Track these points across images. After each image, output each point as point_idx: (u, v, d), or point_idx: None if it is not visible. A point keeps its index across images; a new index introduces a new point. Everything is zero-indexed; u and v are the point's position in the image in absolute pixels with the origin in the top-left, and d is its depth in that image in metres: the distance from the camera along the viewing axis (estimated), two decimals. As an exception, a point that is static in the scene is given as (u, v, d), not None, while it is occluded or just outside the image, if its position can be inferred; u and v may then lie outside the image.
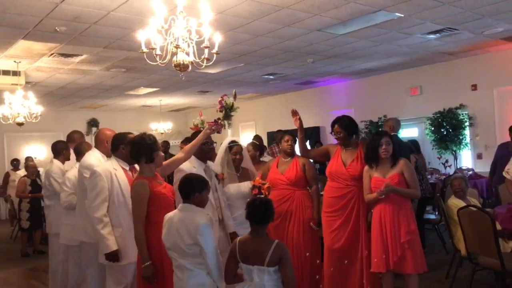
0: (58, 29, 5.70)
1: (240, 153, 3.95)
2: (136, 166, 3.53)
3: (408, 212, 3.63)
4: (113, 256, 3.22)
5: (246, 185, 3.81)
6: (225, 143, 3.96)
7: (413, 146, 6.33)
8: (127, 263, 3.27)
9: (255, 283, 2.50)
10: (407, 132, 10.09)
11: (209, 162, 3.72)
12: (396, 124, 5.90)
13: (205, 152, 3.64)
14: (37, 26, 5.55)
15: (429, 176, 7.60)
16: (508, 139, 6.79)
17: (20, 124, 7.34)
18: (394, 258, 3.54)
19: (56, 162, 4.75)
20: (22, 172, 8.83)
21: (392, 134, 4.02)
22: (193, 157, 3.56)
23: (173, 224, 2.66)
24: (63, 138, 5.88)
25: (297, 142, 4.30)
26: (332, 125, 4.06)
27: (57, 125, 13.00)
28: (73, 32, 5.87)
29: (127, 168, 3.41)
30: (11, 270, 6.43)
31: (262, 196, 3.41)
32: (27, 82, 8.48)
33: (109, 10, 5.14)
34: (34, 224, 7.26)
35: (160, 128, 13.62)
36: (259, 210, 2.59)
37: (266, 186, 3.57)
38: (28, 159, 9.01)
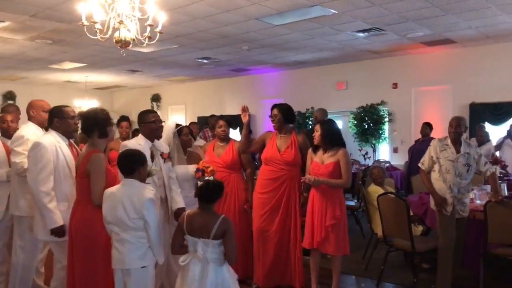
0: (-20, -8, 5.29)
1: (189, 134, 3.96)
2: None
3: (336, 200, 3.87)
4: (60, 232, 3.16)
5: (193, 168, 3.83)
6: (172, 126, 3.90)
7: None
8: None
9: (198, 254, 2.59)
10: (332, 124, 10.60)
11: (155, 141, 3.64)
12: (320, 114, 6.18)
13: (154, 130, 3.57)
14: (-44, -14, 5.11)
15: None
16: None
17: None
18: (318, 239, 3.82)
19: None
20: None
21: (326, 121, 4.25)
22: (140, 135, 3.56)
23: (117, 199, 2.69)
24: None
25: (241, 136, 4.41)
26: (272, 109, 4.25)
27: (-33, 95, 11.99)
28: (-2, -4, 5.48)
29: (66, 143, 3.36)
30: None
31: (210, 178, 3.50)
32: None
33: (41, -23, 4.88)
34: None
35: (84, 105, 13.03)
36: (212, 192, 2.67)
37: (209, 169, 3.64)
38: None
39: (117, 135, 5.28)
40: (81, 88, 13.95)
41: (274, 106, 4.25)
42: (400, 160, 9.19)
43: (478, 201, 4.38)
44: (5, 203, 4.00)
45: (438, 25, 6.97)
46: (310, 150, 4.06)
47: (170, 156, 3.67)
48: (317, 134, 3.93)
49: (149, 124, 3.52)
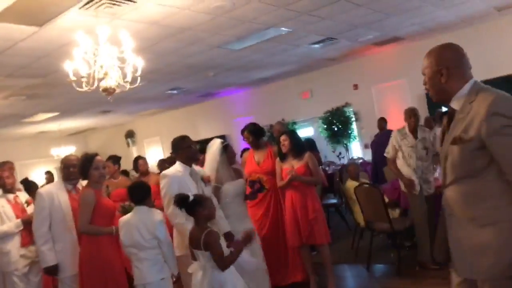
0: (-42, 62, 5.60)
1: (233, 151, 4.08)
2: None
3: (313, 195, 4.37)
4: (52, 271, 3.53)
5: (240, 182, 3.97)
6: (217, 144, 3.96)
7: (308, 144, 7.22)
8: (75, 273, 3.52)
9: (199, 263, 2.88)
10: (303, 132, 11.16)
11: (193, 166, 3.65)
12: (281, 126, 6.67)
13: (192, 154, 3.60)
14: None
15: (327, 168, 8.63)
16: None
17: None
18: (306, 233, 4.26)
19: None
20: None
21: (292, 131, 4.77)
22: (177, 162, 3.57)
23: (132, 225, 3.12)
24: None
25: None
26: (242, 133, 4.75)
27: None
28: (-26, 63, 5.80)
29: (70, 188, 3.71)
30: None
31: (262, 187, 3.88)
32: None
33: (16, 41, 5.23)
34: None
35: (62, 153, 13.19)
36: (182, 202, 2.86)
37: (265, 179, 3.88)
38: None
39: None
40: (55, 136, 14.10)
41: (243, 130, 4.73)
42: (371, 155, 9.76)
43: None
44: None
45: (384, 26, 7.61)
46: (277, 159, 4.48)
47: (210, 180, 3.70)
48: (286, 143, 4.37)
49: (186, 149, 3.55)
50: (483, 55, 8.30)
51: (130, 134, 15.21)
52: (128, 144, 15.24)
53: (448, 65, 2.01)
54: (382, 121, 8.31)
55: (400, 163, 4.60)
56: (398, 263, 4.56)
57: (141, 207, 3.19)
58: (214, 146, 3.96)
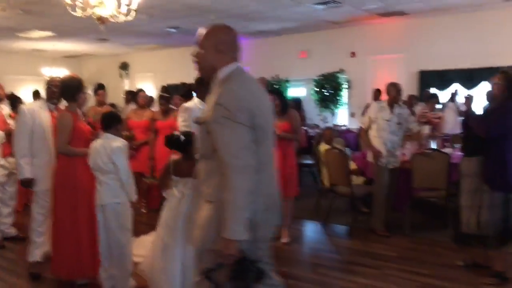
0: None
1: None
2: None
3: (291, 152, 4.61)
4: (28, 183, 3.79)
5: None
6: None
7: (295, 103, 7.37)
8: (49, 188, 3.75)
9: (176, 190, 3.17)
10: (295, 92, 11.24)
11: None
12: (265, 83, 6.77)
13: None
14: None
15: (310, 130, 8.83)
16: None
17: None
18: (280, 185, 4.49)
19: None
20: None
21: (278, 91, 4.89)
22: (197, 99, 3.79)
23: (96, 149, 3.35)
24: None
25: None
26: None
27: None
28: (-27, -31, 5.74)
29: (52, 108, 3.91)
30: None
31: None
32: None
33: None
34: None
35: (53, 74, 13.18)
36: (175, 143, 3.19)
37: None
38: None
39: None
40: (48, 56, 14.01)
41: None
42: (356, 124, 9.94)
43: (408, 154, 5.16)
44: None
45: (390, -2, 7.60)
46: None
47: None
48: (277, 102, 4.47)
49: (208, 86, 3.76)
50: (483, 42, 8.39)
51: (124, 66, 15.12)
52: (121, 76, 15.21)
53: (223, 42, 2.12)
54: (378, 92, 8.46)
55: (372, 133, 4.80)
56: (352, 225, 4.88)
57: (107, 134, 3.39)
58: None
